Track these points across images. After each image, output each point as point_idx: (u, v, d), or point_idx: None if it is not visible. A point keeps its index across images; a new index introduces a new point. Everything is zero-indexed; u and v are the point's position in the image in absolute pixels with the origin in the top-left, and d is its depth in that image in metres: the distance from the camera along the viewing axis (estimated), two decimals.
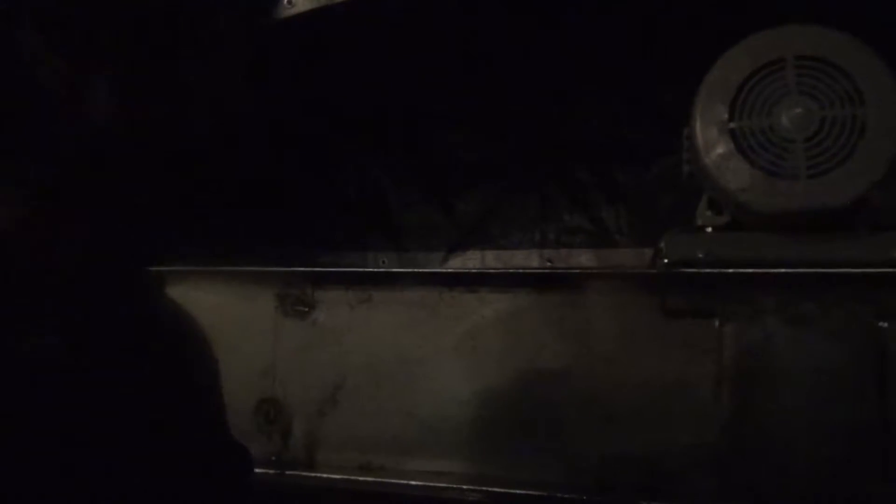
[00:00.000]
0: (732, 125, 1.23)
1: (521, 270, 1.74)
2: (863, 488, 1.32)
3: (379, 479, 1.56)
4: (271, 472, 1.62)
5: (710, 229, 1.34)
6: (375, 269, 1.74)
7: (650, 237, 1.69)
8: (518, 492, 1.48)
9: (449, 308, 1.63)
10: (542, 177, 2.06)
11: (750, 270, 1.30)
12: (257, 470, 1.72)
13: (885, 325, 1.29)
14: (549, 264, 1.97)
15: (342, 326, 1.66)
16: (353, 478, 1.57)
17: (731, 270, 1.30)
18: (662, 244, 1.35)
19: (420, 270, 1.70)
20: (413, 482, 1.55)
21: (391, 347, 1.65)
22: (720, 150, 1.24)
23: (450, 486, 1.48)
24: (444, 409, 1.58)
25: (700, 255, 1.32)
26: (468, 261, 2.09)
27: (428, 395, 1.61)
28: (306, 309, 1.67)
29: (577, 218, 2.01)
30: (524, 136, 2.06)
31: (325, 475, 1.60)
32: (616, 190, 1.92)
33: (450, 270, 1.74)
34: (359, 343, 1.65)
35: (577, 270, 1.66)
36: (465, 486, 1.47)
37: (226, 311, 1.71)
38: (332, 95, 1.98)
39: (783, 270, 1.28)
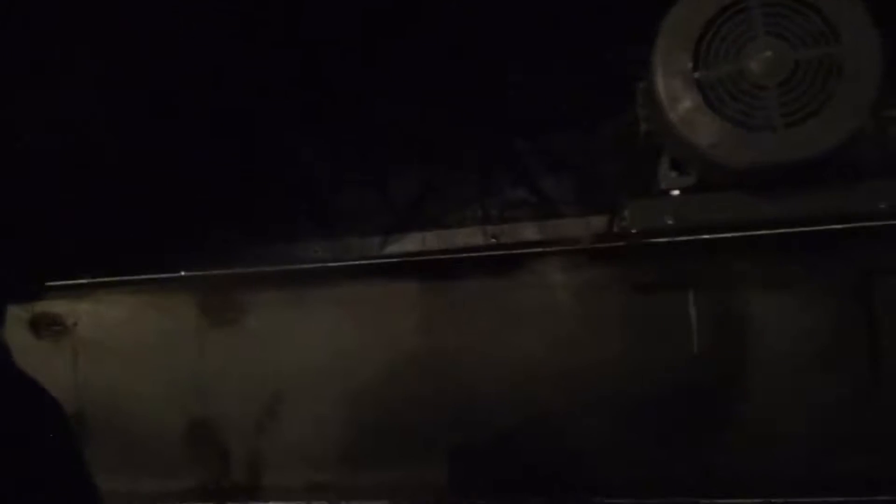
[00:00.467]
0: (697, 75, 1.10)
1: (467, 255, 1.59)
2: (854, 458, 1.23)
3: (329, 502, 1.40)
4: None
5: (676, 192, 1.22)
6: (311, 266, 1.56)
7: (598, 205, 1.57)
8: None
9: (393, 301, 1.48)
10: (480, 150, 1.93)
11: (726, 235, 1.18)
12: None
13: (873, 283, 1.19)
14: (493, 241, 1.84)
15: (276, 331, 1.49)
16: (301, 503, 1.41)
17: (705, 237, 1.18)
18: (626, 213, 1.23)
19: (359, 262, 1.54)
20: (367, 501, 1.40)
21: (332, 350, 1.49)
22: (686, 103, 1.11)
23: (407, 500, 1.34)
24: (396, 414, 1.44)
25: (669, 222, 1.19)
26: (408, 244, 1.94)
27: (376, 400, 1.46)
28: (234, 315, 1.50)
29: (519, 191, 1.89)
30: (459, 109, 1.92)
31: (271, 503, 1.43)
32: (558, 158, 1.80)
33: (392, 260, 1.58)
34: (296, 348, 1.48)
35: (536, 250, 1.51)
36: (427, 499, 1.33)
37: (140, 325, 1.52)
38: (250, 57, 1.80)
39: (760, 232, 1.18)
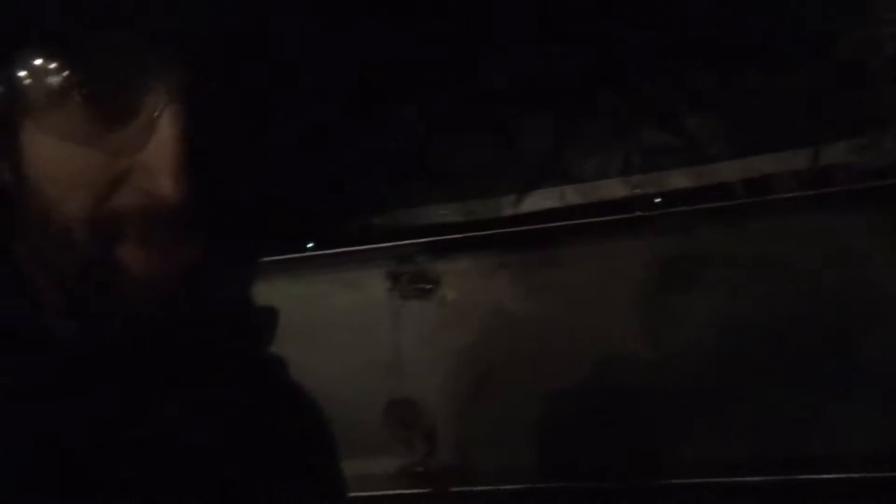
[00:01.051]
0: None
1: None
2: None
3: (562, 484, 1.28)
4: (418, 490, 1.34)
5: None
6: (513, 230, 1.40)
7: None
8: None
9: (610, 265, 1.33)
10: (613, 94, 1.77)
11: None
12: (400, 491, 1.47)
13: None
14: (637, 191, 1.70)
15: (476, 301, 1.36)
16: (523, 485, 1.29)
17: None
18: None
19: (560, 224, 1.37)
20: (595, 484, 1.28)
21: (538, 321, 1.35)
22: None
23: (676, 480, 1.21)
24: (627, 387, 1.30)
25: None
26: (545, 200, 1.80)
27: (599, 373, 1.33)
28: (429, 286, 1.36)
29: (661, 135, 1.75)
30: (584, 52, 1.77)
31: (488, 487, 1.32)
32: (701, 97, 1.64)
33: (605, 219, 1.40)
34: (500, 319, 1.35)
35: (785, 196, 1.33)
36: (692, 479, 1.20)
37: (328, 302, 1.39)
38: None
39: None
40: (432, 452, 1.35)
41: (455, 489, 1.29)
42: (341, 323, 1.37)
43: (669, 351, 1.28)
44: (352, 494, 1.31)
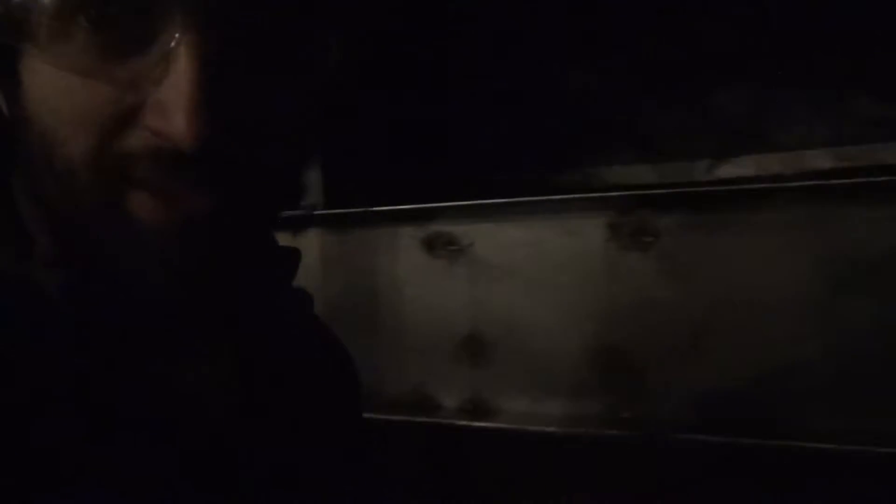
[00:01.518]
0: None
1: None
2: None
3: (758, 441, 1.26)
4: (621, 433, 1.37)
5: None
6: (746, 187, 1.35)
7: None
8: None
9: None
10: (825, 58, 1.65)
11: None
12: (605, 431, 1.52)
13: None
14: (846, 164, 1.58)
15: (693, 259, 1.35)
16: (722, 439, 1.28)
17: None
18: None
19: (784, 186, 1.32)
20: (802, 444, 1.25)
21: (755, 282, 1.31)
22: None
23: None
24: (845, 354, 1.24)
25: None
26: (741, 167, 1.73)
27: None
28: (649, 239, 1.37)
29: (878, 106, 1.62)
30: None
31: (687, 436, 1.32)
32: None
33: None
34: (717, 279, 1.33)
35: None
36: None
37: (545, 248, 1.44)
38: None
39: None
40: (637, 400, 1.37)
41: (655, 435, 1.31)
42: (559, 268, 1.41)
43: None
44: (557, 431, 1.39)
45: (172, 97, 0.43)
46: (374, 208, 1.56)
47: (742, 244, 1.28)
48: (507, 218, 1.45)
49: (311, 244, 1.64)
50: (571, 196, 1.39)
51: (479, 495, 1.53)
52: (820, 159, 1.67)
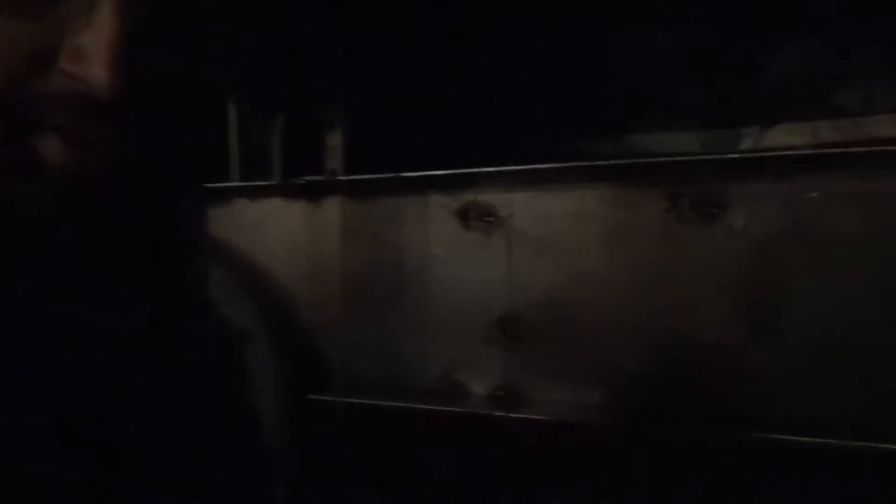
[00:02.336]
0: None
1: None
2: None
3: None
4: None
5: None
6: (814, 151, 1.20)
7: None
8: None
9: None
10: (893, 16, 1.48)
11: None
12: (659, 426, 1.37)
13: None
14: None
15: (771, 233, 1.19)
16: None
17: None
18: None
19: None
20: None
21: (834, 257, 1.16)
22: None
23: None
24: None
25: None
26: (793, 135, 1.58)
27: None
28: (716, 210, 1.21)
29: None
30: None
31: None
32: None
33: None
34: (787, 253, 1.17)
35: None
36: None
37: (592, 218, 1.28)
38: None
39: None
40: (710, 392, 1.21)
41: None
42: (608, 243, 1.25)
43: None
44: (599, 424, 1.24)
45: (94, 44, 0.44)
46: (402, 174, 1.40)
47: (827, 217, 1.12)
48: (551, 186, 1.29)
49: (330, 214, 1.50)
50: (624, 161, 1.22)
51: (509, 491, 1.39)
52: (884, 126, 1.50)
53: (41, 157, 0.46)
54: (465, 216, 1.37)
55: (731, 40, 1.64)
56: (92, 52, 0.45)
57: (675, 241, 1.21)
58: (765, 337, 1.15)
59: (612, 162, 1.22)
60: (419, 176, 1.38)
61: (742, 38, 1.63)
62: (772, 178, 1.14)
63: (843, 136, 1.55)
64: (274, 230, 1.54)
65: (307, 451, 1.43)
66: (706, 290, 1.19)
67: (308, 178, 1.51)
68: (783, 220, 1.15)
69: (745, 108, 1.67)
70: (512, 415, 1.30)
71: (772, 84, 1.63)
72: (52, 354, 0.49)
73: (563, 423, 1.29)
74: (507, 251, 1.33)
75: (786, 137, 1.61)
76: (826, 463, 1.12)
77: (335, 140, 1.62)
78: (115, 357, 0.57)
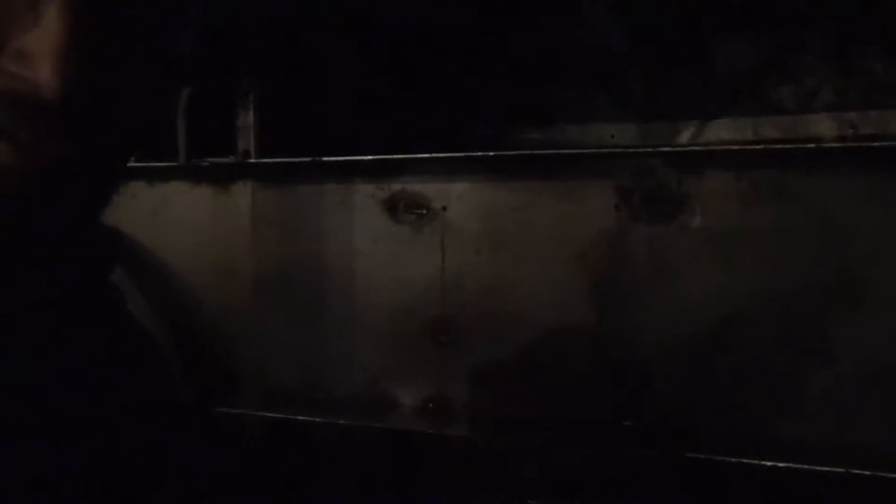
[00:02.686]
0: None
1: None
2: None
3: None
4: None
5: None
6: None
7: None
8: None
9: None
10: (836, 15, 1.47)
11: None
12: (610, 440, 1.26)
13: None
14: (851, 131, 1.40)
15: (731, 229, 1.09)
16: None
17: None
18: None
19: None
20: None
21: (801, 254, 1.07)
22: None
23: None
24: None
25: None
26: (733, 131, 1.54)
27: None
28: (670, 207, 1.10)
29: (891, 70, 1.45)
30: None
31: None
32: None
33: None
34: (758, 251, 1.07)
35: None
36: None
37: (538, 212, 1.15)
38: None
39: None
40: (649, 405, 1.12)
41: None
42: (553, 240, 1.13)
43: None
44: (535, 442, 1.13)
45: (39, 46, 0.44)
46: (323, 158, 1.25)
47: (799, 213, 1.03)
48: (490, 176, 1.17)
49: (240, 201, 1.33)
50: (573, 151, 1.11)
51: None
52: (821, 124, 1.46)
53: None
54: (393, 207, 1.23)
55: (676, 33, 1.57)
56: (37, 53, 0.45)
57: (627, 240, 1.10)
58: (723, 349, 1.06)
59: (561, 151, 1.11)
60: (342, 161, 1.23)
61: (688, 32, 1.57)
62: (731, 174, 1.05)
63: (781, 133, 1.50)
64: (175, 218, 1.36)
65: (217, 471, 1.27)
66: (661, 297, 1.09)
67: (213, 159, 1.34)
68: (745, 217, 1.06)
69: (686, 101, 1.61)
70: (444, 431, 1.18)
71: (715, 79, 1.58)
72: None
73: (497, 441, 1.17)
74: (440, 247, 1.20)
75: (725, 132, 1.55)
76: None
77: (248, 118, 1.44)
78: None
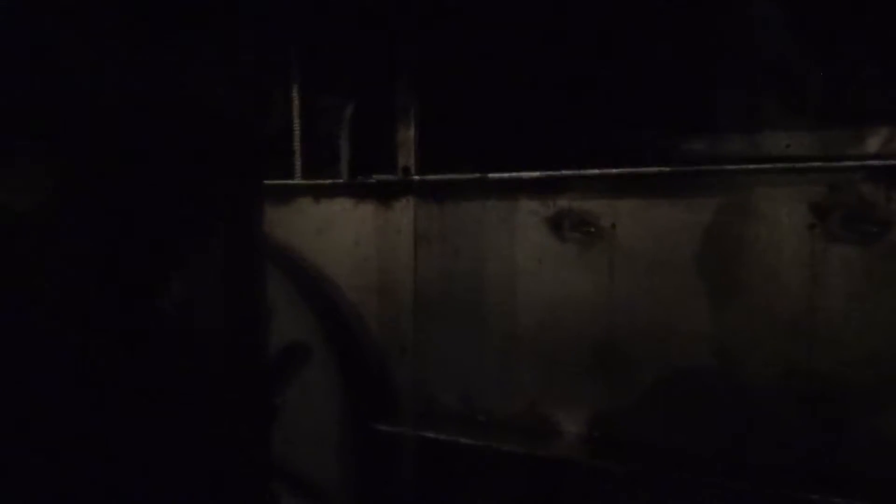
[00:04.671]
0: None
1: None
2: None
3: None
4: None
5: None
6: None
7: None
8: None
9: None
10: None
11: None
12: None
13: None
14: None
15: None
16: None
17: None
18: None
19: None
20: None
21: None
22: None
23: None
24: None
25: None
26: None
27: None
28: (874, 228, 0.99)
29: None
30: None
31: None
32: None
33: None
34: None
35: None
36: None
37: (715, 234, 1.07)
38: None
39: None
40: (836, 443, 1.00)
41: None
42: (736, 261, 1.04)
43: None
44: (711, 481, 1.04)
45: None
46: (488, 175, 1.22)
47: None
48: (663, 192, 1.10)
49: (402, 218, 1.33)
50: (760, 166, 1.02)
51: None
52: None
53: None
54: (558, 225, 1.18)
55: (859, 28, 1.42)
56: None
57: (822, 261, 0.99)
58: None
59: (748, 167, 1.01)
60: (506, 178, 1.20)
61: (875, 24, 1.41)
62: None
63: None
64: (340, 234, 1.38)
65: (369, 490, 1.27)
66: (857, 320, 0.97)
67: (378, 176, 1.34)
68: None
69: (872, 104, 1.45)
70: (607, 462, 1.11)
71: None
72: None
73: (668, 475, 1.09)
74: (608, 267, 1.14)
75: None
76: None
77: (408, 133, 1.44)
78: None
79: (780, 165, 1.00)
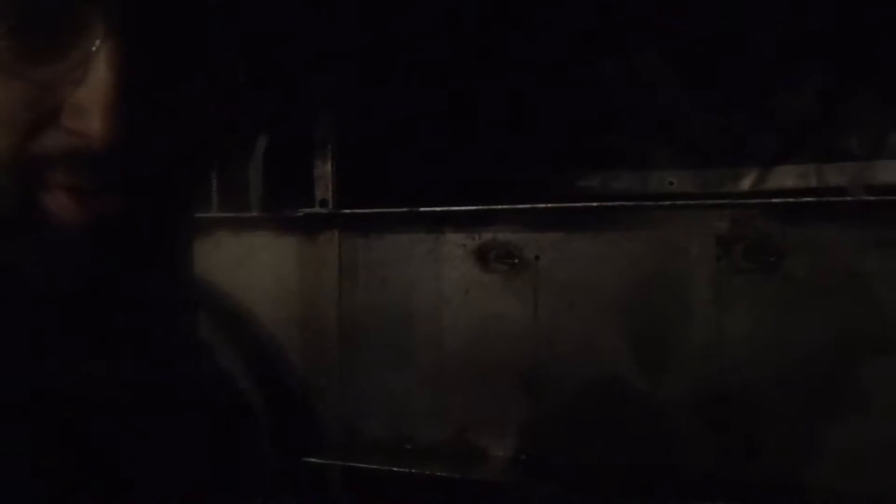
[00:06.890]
0: None
1: None
2: None
3: None
4: None
5: None
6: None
7: None
8: None
9: None
10: None
11: None
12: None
13: None
14: None
15: (832, 284, 1.09)
16: None
17: None
18: None
19: None
20: None
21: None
22: None
23: None
24: None
25: None
26: (796, 177, 1.52)
27: None
28: (772, 258, 1.10)
29: None
30: None
31: None
32: None
33: None
34: (860, 308, 1.07)
35: None
36: None
37: (631, 265, 1.15)
38: None
39: None
40: (751, 458, 1.10)
41: None
42: (650, 292, 1.13)
43: None
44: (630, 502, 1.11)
45: (90, 99, 0.46)
46: (415, 209, 1.26)
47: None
48: (583, 226, 1.17)
49: (326, 250, 1.34)
50: (671, 203, 1.11)
51: None
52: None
53: (52, 217, 0.49)
54: (484, 257, 1.24)
55: (734, 76, 1.58)
56: (88, 106, 0.46)
57: (724, 292, 1.10)
58: (828, 402, 1.05)
59: (660, 203, 1.11)
60: (435, 211, 1.24)
61: (747, 74, 1.57)
62: (833, 225, 1.04)
63: (848, 180, 1.50)
64: (261, 267, 1.38)
65: None
66: (758, 349, 1.08)
67: (304, 210, 1.36)
68: (844, 267, 1.05)
69: (746, 146, 1.60)
70: (537, 483, 1.16)
71: (776, 123, 1.58)
72: (31, 409, 0.52)
73: (590, 496, 1.15)
74: (533, 297, 1.20)
75: (787, 179, 1.55)
76: None
77: (325, 168, 1.46)
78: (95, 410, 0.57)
79: (691, 202, 1.10)
